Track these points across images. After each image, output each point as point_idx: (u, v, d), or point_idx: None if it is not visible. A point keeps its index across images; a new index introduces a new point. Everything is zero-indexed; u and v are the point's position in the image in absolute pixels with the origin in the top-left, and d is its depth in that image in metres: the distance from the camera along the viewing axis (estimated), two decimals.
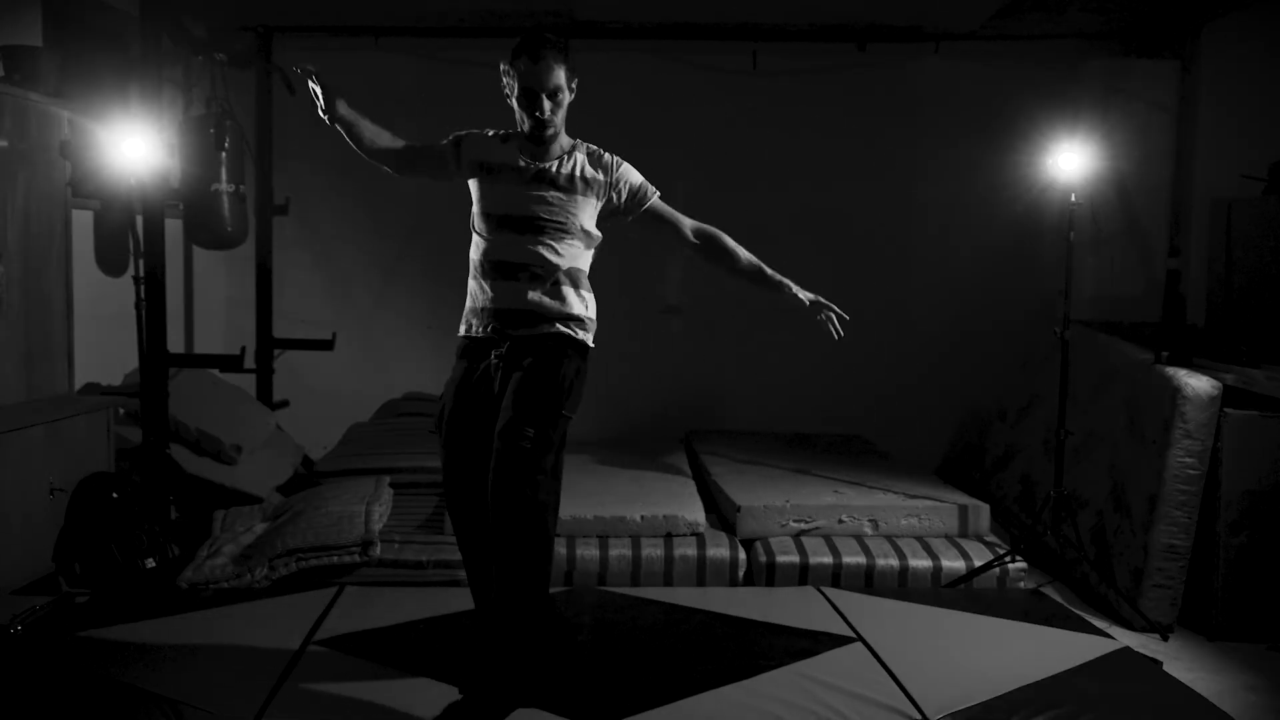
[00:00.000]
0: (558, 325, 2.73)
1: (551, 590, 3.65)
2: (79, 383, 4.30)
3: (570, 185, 2.74)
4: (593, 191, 2.77)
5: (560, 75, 2.65)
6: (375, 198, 5.89)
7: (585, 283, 2.83)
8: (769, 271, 2.91)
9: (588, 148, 2.82)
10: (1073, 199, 3.99)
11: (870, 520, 4.08)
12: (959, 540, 4.05)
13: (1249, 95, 4.62)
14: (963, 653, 3.12)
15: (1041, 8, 4.99)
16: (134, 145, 4.03)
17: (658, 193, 2.87)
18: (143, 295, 4.16)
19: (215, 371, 5.02)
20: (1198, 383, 3.71)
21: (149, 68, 4.41)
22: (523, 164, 2.75)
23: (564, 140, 2.79)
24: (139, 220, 4.33)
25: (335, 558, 3.66)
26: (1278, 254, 3.88)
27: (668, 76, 5.62)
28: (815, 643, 3.15)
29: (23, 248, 3.84)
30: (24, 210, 3.85)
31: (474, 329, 2.80)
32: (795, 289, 2.90)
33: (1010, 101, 5.54)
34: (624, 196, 2.82)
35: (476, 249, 2.81)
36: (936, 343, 5.87)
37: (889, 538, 4.03)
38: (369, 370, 5.89)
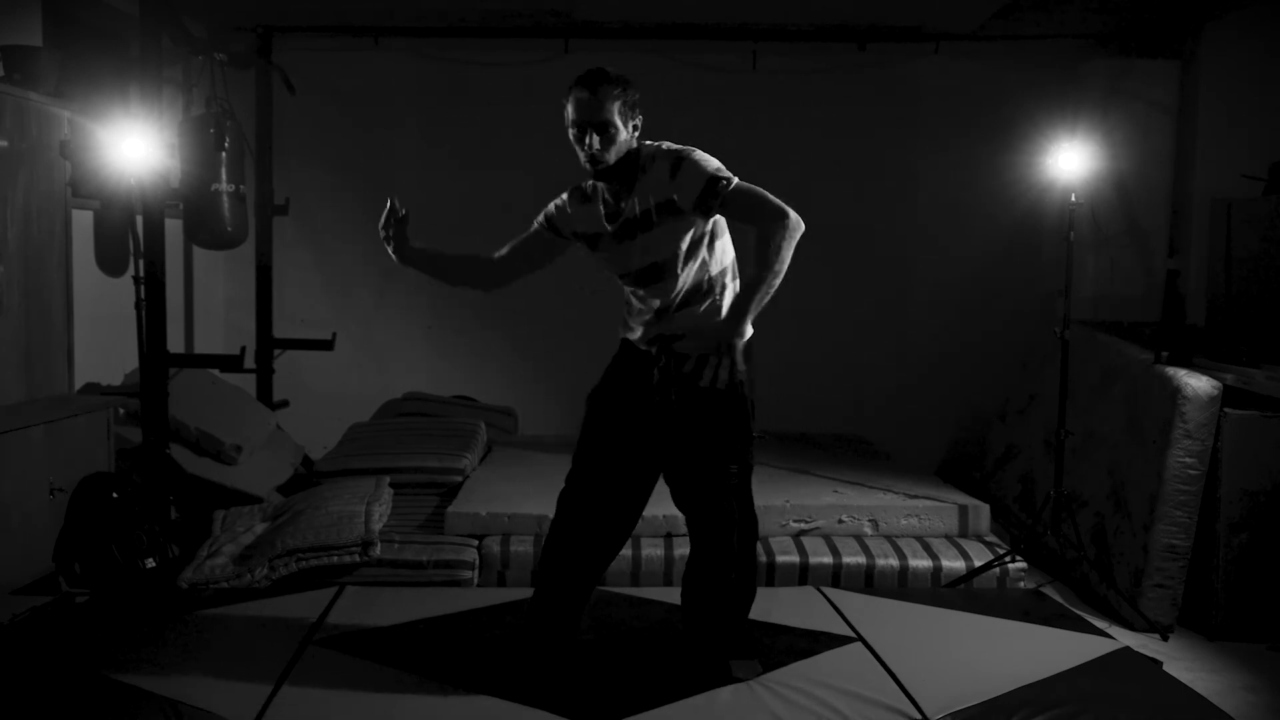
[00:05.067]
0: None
1: None
2: (79, 383, 4.29)
3: (651, 220, 2.66)
4: (674, 212, 2.65)
5: (613, 110, 2.57)
6: (375, 198, 5.81)
7: (729, 279, 2.79)
8: (752, 290, 2.55)
9: (655, 154, 2.66)
10: (1073, 199, 3.99)
11: (870, 520, 4.08)
12: (959, 540, 4.04)
13: (1249, 95, 4.62)
14: (963, 653, 3.12)
15: (1041, 8, 4.99)
16: (134, 145, 4.03)
17: (729, 186, 2.59)
18: (143, 295, 4.16)
19: (215, 371, 5.01)
20: (1198, 383, 3.71)
21: (149, 68, 4.40)
22: (609, 227, 2.74)
23: (629, 156, 2.66)
24: (139, 220, 4.33)
25: (335, 558, 3.66)
26: (1278, 254, 3.88)
27: (668, 76, 5.63)
28: (815, 643, 3.14)
29: (23, 248, 3.83)
30: (24, 210, 3.84)
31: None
32: (731, 316, 2.57)
33: (1010, 101, 5.54)
34: (689, 205, 2.63)
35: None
36: (937, 343, 5.87)
37: (889, 538, 4.03)
38: (369, 370, 5.90)
